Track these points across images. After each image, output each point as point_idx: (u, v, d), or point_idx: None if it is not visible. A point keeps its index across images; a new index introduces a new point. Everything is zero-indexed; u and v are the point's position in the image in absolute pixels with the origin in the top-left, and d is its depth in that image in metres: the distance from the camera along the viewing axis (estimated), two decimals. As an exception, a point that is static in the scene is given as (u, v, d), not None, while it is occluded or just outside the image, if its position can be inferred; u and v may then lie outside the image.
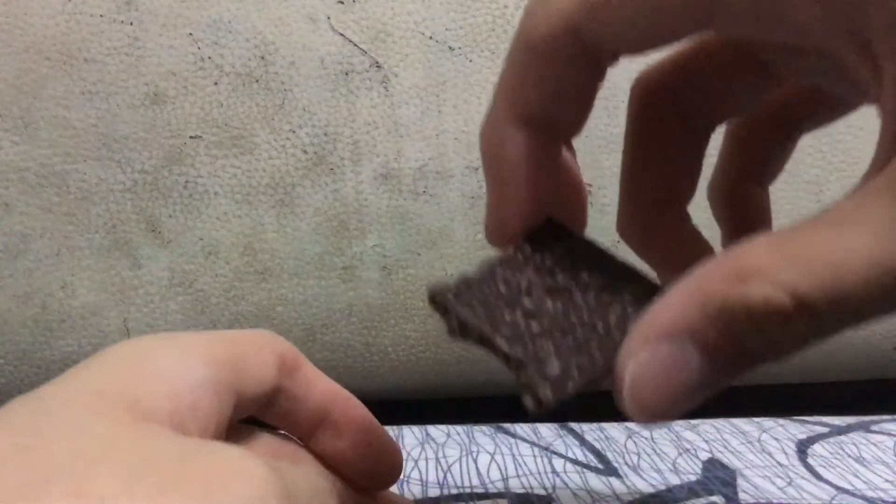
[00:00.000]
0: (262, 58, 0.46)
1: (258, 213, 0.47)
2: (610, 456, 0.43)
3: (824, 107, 0.22)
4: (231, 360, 0.19)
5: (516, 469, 0.40)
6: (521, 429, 0.46)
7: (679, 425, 0.47)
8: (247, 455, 0.15)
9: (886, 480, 0.40)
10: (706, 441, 0.45)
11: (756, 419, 0.49)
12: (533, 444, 0.44)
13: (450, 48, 0.47)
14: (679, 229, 0.22)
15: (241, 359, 0.19)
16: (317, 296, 0.48)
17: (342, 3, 0.46)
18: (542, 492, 0.37)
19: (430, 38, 0.47)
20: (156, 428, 0.16)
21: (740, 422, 0.48)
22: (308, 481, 0.18)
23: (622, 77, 0.48)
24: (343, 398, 0.22)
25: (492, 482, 0.38)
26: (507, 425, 0.47)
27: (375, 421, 0.23)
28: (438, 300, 0.19)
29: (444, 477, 0.39)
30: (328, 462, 0.22)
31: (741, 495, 0.38)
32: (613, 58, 0.18)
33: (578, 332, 0.18)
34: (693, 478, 0.40)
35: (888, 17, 0.13)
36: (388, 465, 0.23)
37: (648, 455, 0.43)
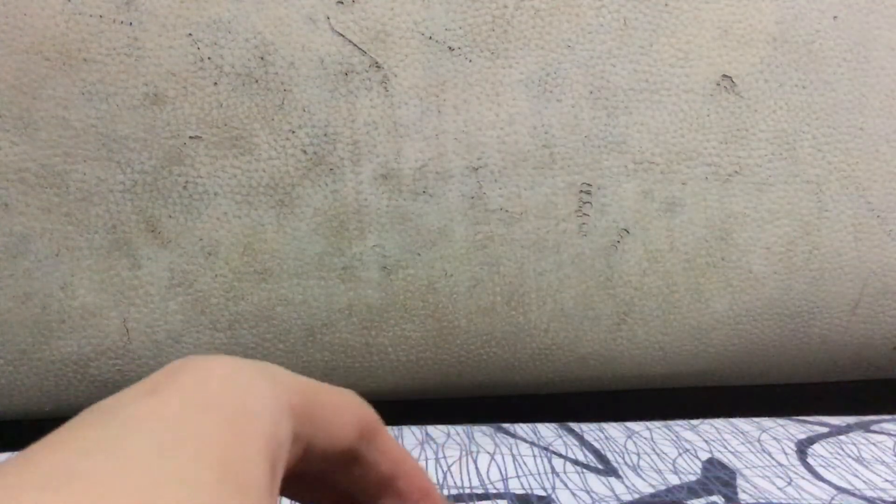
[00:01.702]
0: (262, 58, 0.46)
1: (258, 213, 0.47)
2: (610, 456, 0.43)
3: None
4: (310, 413, 0.20)
5: (516, 469, 0.40)
6: (521, 429, 0.46)
7: (679, 425, 0.47)
8: None
9: (886, 480, 0.40)
10: (706, 441, 0.45)
11: (756, 419, 0.49)
12: (533, 444, 0.44)
13: (450, 48, 0.47)
14: None
15: (321, 412, 0.20)
16: (317, 296, 0.48)
17: (342, 3, 0.46)
18: (542, 492, 0.37)
19: (430, 38, 0.47)
20: None
21: (740, 422, 0.48)
22: None
23: (622, 77, 0.49)
24: (410, 466, 0.23)
25: (491, 482, 0.38)
26: (506, 425, 0.47)
27: (437, 491, 0.24)
28: None
29: (444, 477, 0.39)
30: None
31: (741, 495, 0.38)
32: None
33: None
34: (693, 478, 0.40)
35: None
36: None
37: (648, 455, 0.43)
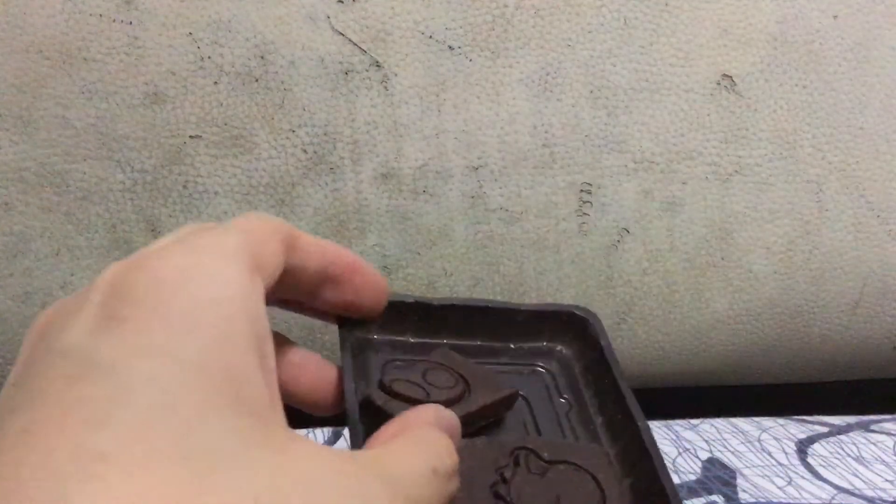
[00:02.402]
0: (262, 57, 0.46)
1: (258, 212, 0.47)
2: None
3: None
4: (259, 264, 0.19)
5: (516, 469, 0.40)
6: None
7: (679, 425, 0.47)
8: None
9: (886, 480, 0.40)
10: (706, 441, 0.45)
11: (756, 419, 0.49)
12: (533, 443, 0.43)
13: (450, 48, 0.47)
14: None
15: (262, 257, 0.19)
16: (317, 295, 0.48)
17: (342, 2, 0.46)
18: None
19: (430, 37, 0.47)
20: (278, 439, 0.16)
21: (740, 421, 0.48)
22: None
23: (623, 76, 0.49)
24: (332, 252, 0.23)
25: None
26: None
27: (362, 260, 0.25)
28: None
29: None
30: (330, 311, 0.25)
31: (741, 494, 0.38)
32: None
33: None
34: (693, 477, 0.40)
35: None
36: (380, 294, 0.26)
37: (648, 455, 0.43)
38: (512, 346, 0.30)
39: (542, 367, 0.30)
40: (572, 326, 0.31)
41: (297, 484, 0.15)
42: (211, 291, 0.17)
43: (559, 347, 0.31)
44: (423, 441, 0.20)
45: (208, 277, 0.17)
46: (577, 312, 0.31)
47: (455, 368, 0.26)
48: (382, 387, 0.24)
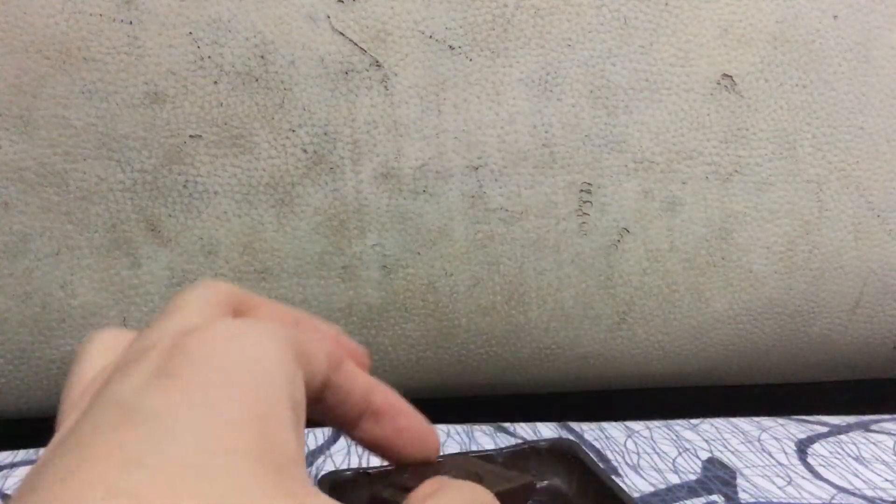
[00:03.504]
0: (262, 57, 0.46)
1: (258, 212, 0.47)
2: (610, 455, 0.43)
3: None
4: (303, 354, 0.20)
5: (516, 469, 0.40)
6: (521, 428, 0.46)
7: (679, 425, 0.47)
8: None
9: (886, 480, 0.40)
10: (706, 440, 0.45)
11: (756, 419, 0.49)
12: (533, 443, 0.44)
13: (450, 47, 0.47)
14: None
15: (309, 352, 0.20)
16: (317, 295, 0.48)
17: (342, 2, 0.46)
18: (542, 491, 0.37)
19: (430, 37, 0.47)
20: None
21: (740, 421, 0.48)
22: None
23: (623, 76, 0.49)
24: (381, 389, 0.24)
25: (492, 482, 0.38)
26: (507, 425, 0.47)
27: (411, 406, 0.24)
28: None
29: (444, 476, 0.39)
30: (371, 446, 0.24)
31: (741, 494, 0.38)
32: None
33: None
34: (693, 477, 0.40)
35: None
36: (426, 444, 0.25)
37: (648, 454, 0.43)
38: (501, 490, 0.32)
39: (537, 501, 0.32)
40: (553, 457, 0.33)
41: None
42: (255, 352, 0.18)
43: (546, 482, 0.33)
44: (461, 492, 0.20)
45: (254, 341, 0.18)
46: (557, 445, 0.33)
47: (468, 468, 0.26)
48: (392, 484, 0.24)
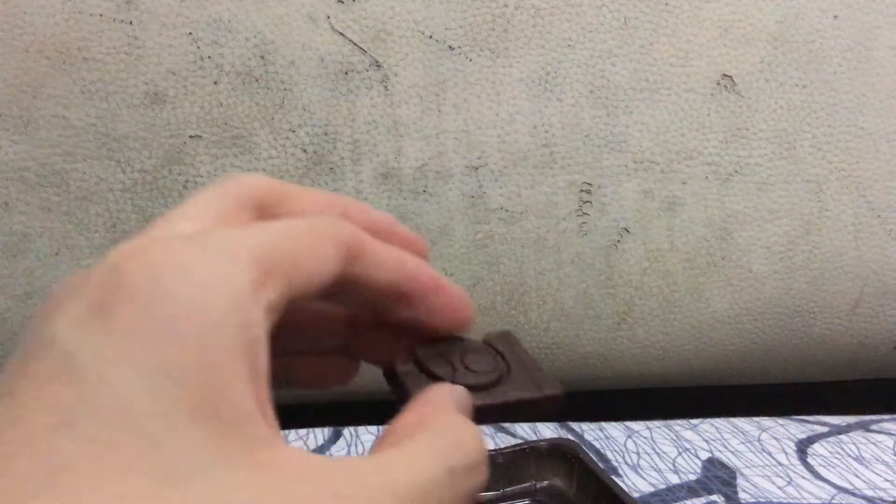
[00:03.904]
0: (262, 57, 0.46)
1: (258, 212, 0.47)
2: (610, 455, 0.43)
3: None
4: (280, 264, 0.18)
5: (516, 468, 0.40)
6: (521, 428, 0.46)
7: (679, 425, 0.47)
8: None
9: (886, 480, 0.40)
10: (706, 440, 0.45)
11: (756, 419, 0.49)
12: (533, 443, 0.44)
13: (450, 47, 0.47)
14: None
15: (292, 258, 0.18)
16: (317, 295, 0.48)
17: (342, 2, 0.46)
18: (542, 491, 0.37)
19: (430, 37, 0.47)
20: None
21: (740, 421, 0.48)
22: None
23: (623, 76, 0.49)
24: (410, 267, 0.22)
25: (492, 482, 0.38)
26: (507, 425, 0.47)
27: (444, 280, 0.22)
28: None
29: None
30: (404, 328, 0.23)
31: (741, 494, 0.38)
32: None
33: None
34: (693, 477, 0.40)
35: None
36: (457, 316, 0.23)
37: (648, 454, 0.43)
38: (504, 491, 0.32)
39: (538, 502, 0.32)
40: (553, 457, 0.33)
41: (272, 502, 0.14)
42: (201, 288, 0.16)
43: (546, 482, 0.33)
44: (439, 435, 0.18)
45: (202, 269, 0.16)
46: (557, 445, 0.34)
47: (504, 354, 0.24)
48: (415, 359, 0.22)
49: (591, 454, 0.34)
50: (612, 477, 0.32)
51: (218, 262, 0.17)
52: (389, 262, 0.21)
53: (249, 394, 0.16)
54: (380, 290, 0.21)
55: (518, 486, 0.33)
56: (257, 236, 0.18)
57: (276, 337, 0.18)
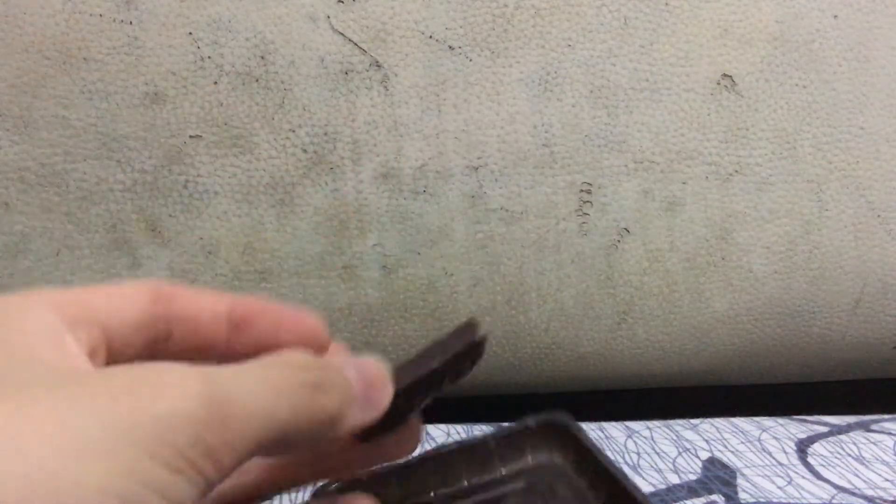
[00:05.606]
0: (262, 57, 0.46)
1: (258, 212, 0.47)
2: (610, 455, 0.43)
3: None
4: (87, 314, 0.19)
5: (516, 468, 0.40)
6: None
7: (679, 424, 0.47)
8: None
9: (886, 479, 0.40)
10: (706, 440, 0.45)
11: (756, 418, 0.49)
12: (533, 443, 0.43)
13: (450, 47, 0.47)
14: None
15: (90, 307, 0.19)
16: (317, 295, 0.48)
17: (342, 2, 0.46)
18: (542, 491, 0.37)
19: (430, 37, 0.47)
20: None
21: (740, 421, 0.48)
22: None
23: (623, 76, 0.49)
24: (234, 298, 0.22)
25: (492, 482, 0.38)
26: (506, 424, 0.47)
27: (272, 303, 0.23)
28: None
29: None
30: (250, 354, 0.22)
31: (741, 494, 0.38)
32: None
33: None
34: (693, 477, 0.40)
35: None
36: (300, 330, 0.23)
37: (648, 454, 0.43)
38: (503, 471, 0.32)
39: (536, 480, 0.32)
40: (547, 434, 0.33)
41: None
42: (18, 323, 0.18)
43: (544, 457, 0.33)
44: (283, 358, 0.19)
45: (18, 314, 0.18)
46: (549, 421, 0.33)
47: (446, 343, 0.24)
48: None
49: (583, 428, 0.34)
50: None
51: (29, 309, 0.18)
52: (207, 297, 0.22)
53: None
54: (209, 324, 0.22)
55: (513, 467, 0.32)
56: (55, 292, 0.19)
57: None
